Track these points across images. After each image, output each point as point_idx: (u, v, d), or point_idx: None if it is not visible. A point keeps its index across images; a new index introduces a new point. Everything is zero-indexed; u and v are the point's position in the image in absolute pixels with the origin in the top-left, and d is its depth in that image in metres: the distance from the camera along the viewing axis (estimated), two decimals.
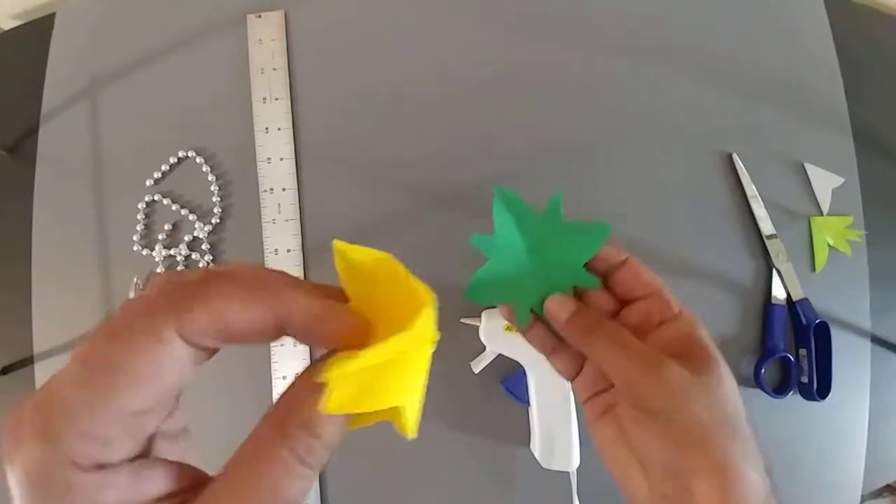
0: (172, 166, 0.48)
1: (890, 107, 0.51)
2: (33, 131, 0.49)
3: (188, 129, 0.48)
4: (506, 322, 0.36)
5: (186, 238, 0.47)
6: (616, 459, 0.25)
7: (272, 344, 0.46)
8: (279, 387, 0.45)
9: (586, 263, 0.27)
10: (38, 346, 0.46)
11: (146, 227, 0.47)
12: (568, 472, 0.41)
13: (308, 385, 0.15)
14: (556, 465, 0.40)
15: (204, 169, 0.48)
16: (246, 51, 0.49)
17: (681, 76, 0.50)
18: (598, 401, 0.27)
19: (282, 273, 0.17)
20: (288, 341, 0.46)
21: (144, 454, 0.15)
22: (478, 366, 0.43)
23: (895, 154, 0.51)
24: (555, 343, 0.28)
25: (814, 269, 0.48)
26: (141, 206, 0.47)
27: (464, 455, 0.45)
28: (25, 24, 0.52)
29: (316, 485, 0.44)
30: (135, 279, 0.46)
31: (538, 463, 0.40)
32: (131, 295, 0.46)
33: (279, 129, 0.48)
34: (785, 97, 0.50)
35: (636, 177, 0.48)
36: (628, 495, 0.25)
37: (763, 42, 0.51)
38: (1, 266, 0.48)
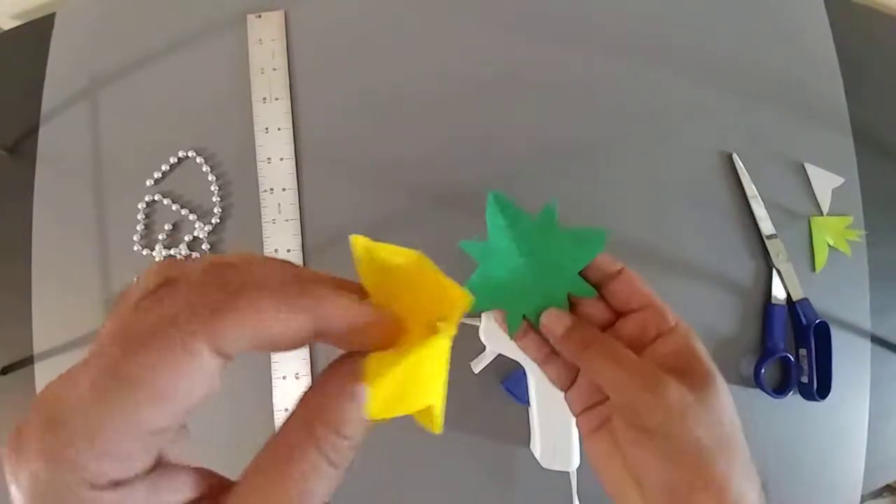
0: (172, 166, 0.48)
1: (890, 107, 0.51)
2: (33, 131, 0.49)
3: (188, 129, 0.48)
4: None
5: (186, 238, 0.47)
6: (611, 475, 0.25)
7: None
8: (279, 387, 0.45)
9: (581, 271, 0.27)
10: (38, 346, 0.46)
11: (146, 227, 0.47)
12: (568, 472, 0.41)
13: (335, 385, 0.15)
14: (556, 465, 0.40)
15: (204, 169, 0.48)
16: (246, 51, 0.49)
17: (681, 76, 0.50)
18: (592, 414, 0.26)
19: (314, 273, 0.17)
20: None
21: (159, 462, 0.14)
22: (478, 366, 0.43)
23: (895, 154, 0.51)
24: (548, 352, 0.27)
25: (814, 269, 0.48)
26: (141, 206, 0.47)
27: (464, 455, 0.45)
28: (25, 24, 0.52)
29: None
30: (135, 279, 0.46)
31: (538, 463, 0.40)
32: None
33: (279, 129, 0.48)
34: (785, 97, 0.50)
35: (636, 177, 0.48)
36: None
37: (763, 42, 0.51)
38: (1, 266, 0.48)
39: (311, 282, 0.16)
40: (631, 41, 0.50)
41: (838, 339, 0.45)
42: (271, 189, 0.47)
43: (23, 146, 0.49)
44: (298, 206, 0.47)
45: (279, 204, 0.47)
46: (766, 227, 0.48)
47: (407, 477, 0.45)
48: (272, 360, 0.45)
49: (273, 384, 0.45)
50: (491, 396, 0.45)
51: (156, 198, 0.47)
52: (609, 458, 0.25)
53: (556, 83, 0.49)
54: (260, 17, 0.50)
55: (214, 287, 0.14)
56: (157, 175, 0.48)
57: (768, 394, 0.45)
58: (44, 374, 0.45)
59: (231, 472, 0.15)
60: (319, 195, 0.48)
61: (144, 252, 0.47)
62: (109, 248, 0.47)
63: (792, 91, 0.50)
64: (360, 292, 0.17)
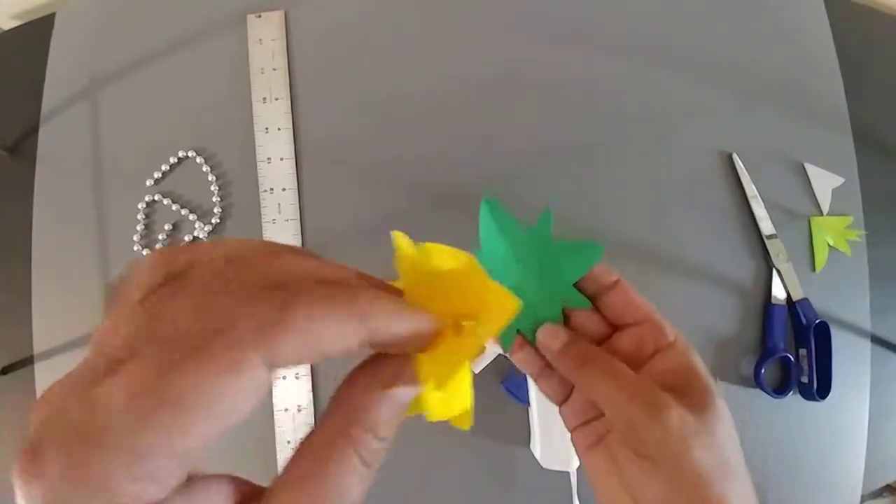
0: (172, 166, 0.48)
1: (890, 107, 0.51)
2: (33, 131, 0.49)
3: (188, 129, 0.48)
4: None
5: (186, 238, 0.47)
6: (608, 493, 0.24)
7: None
8: (279, 387, 0.45)
9: (576, 283, 0.26)
10: (38, 346, 0.46)
11: (146, 227, 0.47)
12: (568, 472, 0.41)
13: (370, 387, 0.15)
14: (556, 466, 0.40)
15: (204, 169, 0.48)
16: (246, 51, 0.49)
17: (681, 76, 0.50)
18: (588, 430, 0.26)
19: (362, 276, 0.16)
20: None
21: (191, 473, 0.13)
22: (478, 366, 0.43)
23: (895, 154, 0.51)
24: (543, 366, 0.26)
25: (814, 269, 0.48)
26: (141, 206, 0.47)
27: (464, 455, 0.45)
28: (25, 24, 0.52)
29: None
30: (127, 271, 0.46)
31: (538, 463, 0.40)
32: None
33: (279, 129, 0.48)
34: (785, 97, 0.50)
35: (636, 177, 0.48)
36: None
37: (763, 42, 0.51)
38: (1, 266, 0.48)
39: (361, 288, 0.15)
40: (631, 41, 0.50)
41: (838, 339, 0.45)
42: (271, 189, 0.47)
43: (23, 146, 0.49)
44: (298, 206, 0.47)
45: (279, 204, 0.47)
46: (766, 227, 0.48)
47: (407, 477, 0.45)
48: None
49: (273, 385, 0.45)
50: (491, 396, 0.45)
51: (156, 198, 0.47)
52: (606, 476, 0.24)
53: (556, 83, 0.49)
54: (260, 17, 0.50)
55: (280, 299, 0.13)
56: (157, 175, 0.48)
57: (768, 394, 0.45)
58: (44, 374, 0.45)
59: (229, 471, 0.15)
60: (319, 195, 0.48)
61: (144, 252, 0.47)
62: (109, 248, 0.47)
63: (792, 91, 0.50)
64: (394, 291, 0.17)
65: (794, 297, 0.47)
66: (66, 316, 0.46)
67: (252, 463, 0.44)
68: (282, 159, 0.48)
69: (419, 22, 0.50)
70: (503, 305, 0.17)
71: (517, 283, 0.26)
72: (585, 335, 0.26)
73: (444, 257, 0.18)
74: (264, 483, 0.14)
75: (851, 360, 0.47)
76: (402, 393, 0.15)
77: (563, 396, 0.27)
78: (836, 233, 0.48)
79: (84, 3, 0.51)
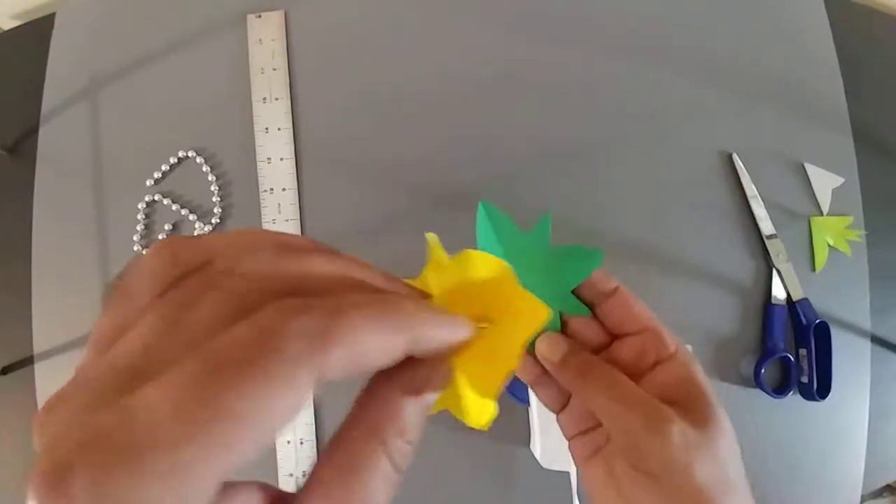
0: (172, 166, 0.48)
1: (890, 107, 0.51)
2: (33, 131, 0.49)
3: (188, 129, 0.48)
4: None
5: None
6: (605, 503, 0.24)
7: None
8: None
9: (574, 289, 0.25)
10: (38, 346, 0.46)
11: (146, 227, 0.47)
12: (568, 472, 0.41)
13: (399, 391, 0.14)
14: (556, 465, 0.40)
15: (204, 169, 0.48)
16: (246, 51, 0.49)
17: (681, 76, 0.50)
18: (587, 440, 0.25)
19: (388, 277, 0.16)
20: None
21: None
22: None
23: (895, 154, 0.51)
24: (540, 373, 0.26)
25: (814, 269, 0.48)
26: (141, 206, 0.47)
27: (464, 455, 0.45)
28: (25, 24, 0.52)
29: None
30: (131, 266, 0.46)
31: (538, 463, 0.40)
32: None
33: (279, 129, 0.48)
34: (785, 97, 0.50)
35: (636, 177, 0.48)
36: None
37: (763, 42, 0.51)
38: (1, 266, 0.48)
39: (402, 296, 0.15)
40: (631, 41, 0.50)
41: (838, 339, 0.45)
42: (271, 189, 0.47)
43: (23, 146, 0.49)
44: (298, 206, 0.47)
45: (279, 204, 0.47)
46: (766, 227, 0.48)
47: (406, 477, 0.45)
48: None
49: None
50: None
51: (156, 198, 0.47)
52: (604, 487, 0.24)
53: (556, 83, 0.49)
54: (260, 17, 0.50)
55: (329, 311, 0.12)
56: (157, 175, 0.48)
57: (768, 394, 0.45)
58: (44, 374, 0.45)
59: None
60: (319, 195, 0.48)
61: (144, 252, 0.47)
62: (109, 248, 0.47)
63: (792, 91, 0.50)
64: (424, 294, 0.17)
65: (794, 297, 0.47)
66: (66, 316, 0.46)
67: None
68: (282, 159, 0.48)
69: (419, 22, 0.50)
70: (535, 314, 0.17)
71: None
72: (583, 344, 0.25)
73: (479, 263, 0.18)
74: None
75: (851, 360, 0.47)
76: (432, 397, 0.15)
77: (560, 405, 0.26)
78: (836, 233, 0.48)
79: (84, 3, 0.51)
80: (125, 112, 0.49)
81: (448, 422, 0.17)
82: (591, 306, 0.26)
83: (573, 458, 0.26)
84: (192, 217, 0.47)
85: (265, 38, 0.49)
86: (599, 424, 0.25)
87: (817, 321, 0.45)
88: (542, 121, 0.49)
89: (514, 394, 0.44)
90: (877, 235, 0.49)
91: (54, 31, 0.50)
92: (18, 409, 0.46)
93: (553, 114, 0.49)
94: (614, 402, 0.23)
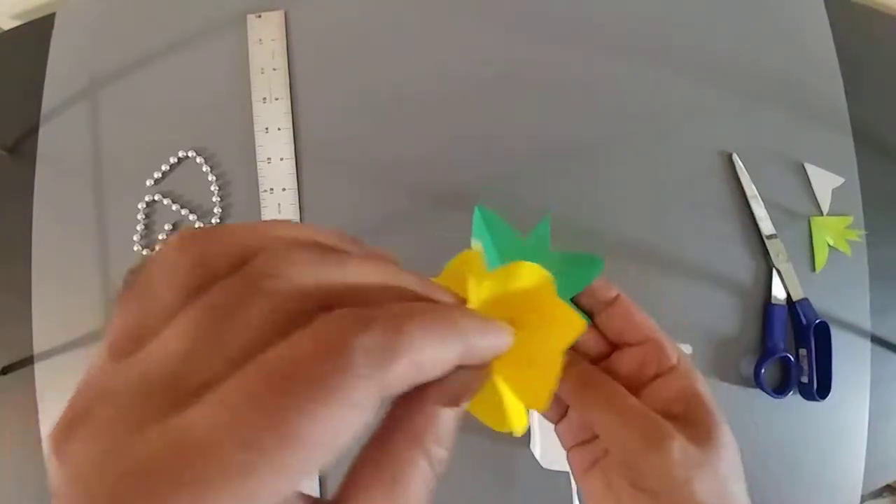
0: (172, 166, 0.48)
1: (890, 107, 0.51)
2: (33, 131, 0.49)
3: (188, 129, 0.48)
4: None
5: None
6: None
7: None
8: None
9: (573, 297, 0.25)
10: (38, 346, 0.46)
11: (146, 227, 0.47)
12: (568, 472, 0.41)
13: (439, 400, 0.14)
14: (556, 465, 0.40)
15: (204, 169, 0.48)
16: (246, 51, 0.49)
17: (681, 76, 0.50)
18: (585, 451, 0.25)
19: (438, 289, 0.15)
20: None
21: None
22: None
23: (895, 154, 0.51)
24: None
25: (814, 269, 0.48)
26: (141, 206, 0.47)
27: (464, 455, 0.45)
28: (25, 24, 0.52)
29: (316, 485, 0.44)
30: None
31: (538, 463, 0.40)
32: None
33: (279, 129, 0.48)
34: (785, 97, 0.50)
35: (636, 177, 0.48)
36: None
37: (763, 42, 0.51)
38: (1, 266, 0.48)
39: (455, 307, 0.15)
40: (631, 41, 0.50)
41: (838, 339, 0.45)
42: (271, 189, 0.47)
43: (23, 146, 0.49)
44: (298, 206, 0.47)
45: (279, 204, 0.47)
46: (766, 227, 0.48)
47: None
48: None
49: None
50: None
51: (156, 198, 0.47)
52: (603, 500, 0.23)
53: (556, 83, 0.49)
54: (260, 17, 0.50)
55: (391, 324, 0.12)
56: (157, 175, 0.48)
57: (768, 394, 0.45)
58: (44, 374, 0.45)
59: None
60: (319, 195, 0.48)
61: (144, 252, 0.47)
62: (109, 248, 0.47)
63: (792, 91, 0.50)
64: (462, 300, 0.17)
65: (794, 297, 0.47)
66: (66, 316, 0.46)
67: None
68: (282, 159, 0.48)
69: (419, 22, 0.50)
70: (571, 324, 0.17)
71: None
72: (582, 353, 0.25)
73: (525, 273, 0.17)
74: None
75: (851, 360, 0.47)
76: (463, 404, 0.15)
77: (559, 415, 0.26)
78: (836, 233, 0.48)
79: (84, 3, 0.51)
80: (125, 112, 0.49)
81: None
82: (590, 315, 0.25)
83: (571, 470, 0.26)
84: (192, 217, 0.47)
85: (265, 38, 0.49)
86: (598, 436, 0.24)
87: (817, 321, 0.45)
88: (542, 121, 0.49)
89: None
90: (877, 235, 0.49)
91: (54, 31, 0.50)
92: (18, 409, 0.45)
93: (553, 114, 0.49)
94: (612, 415, 0.22)
